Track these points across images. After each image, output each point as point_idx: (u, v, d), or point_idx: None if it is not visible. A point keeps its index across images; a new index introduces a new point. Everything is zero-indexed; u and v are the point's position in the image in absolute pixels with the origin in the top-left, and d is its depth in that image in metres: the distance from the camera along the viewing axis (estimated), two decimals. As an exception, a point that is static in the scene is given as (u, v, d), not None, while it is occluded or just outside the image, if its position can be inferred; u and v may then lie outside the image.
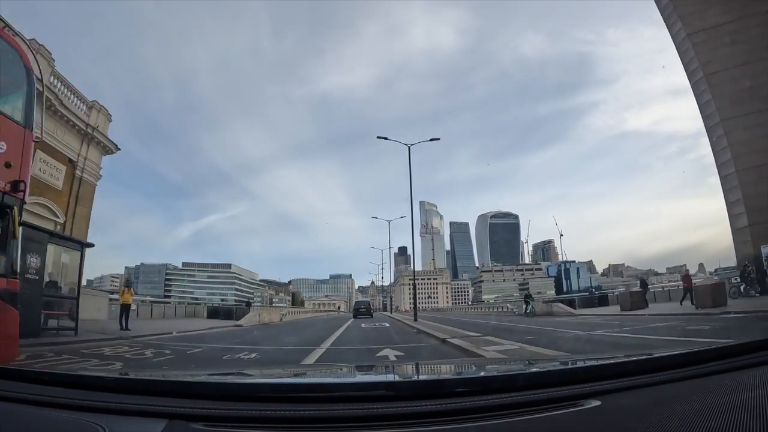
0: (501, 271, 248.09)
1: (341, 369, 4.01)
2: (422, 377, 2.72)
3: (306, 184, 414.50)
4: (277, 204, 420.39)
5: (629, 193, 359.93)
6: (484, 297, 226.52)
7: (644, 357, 2.20)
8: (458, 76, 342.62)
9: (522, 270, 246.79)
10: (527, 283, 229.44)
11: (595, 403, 1.60)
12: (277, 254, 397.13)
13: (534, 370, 2.64)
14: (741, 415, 1.43)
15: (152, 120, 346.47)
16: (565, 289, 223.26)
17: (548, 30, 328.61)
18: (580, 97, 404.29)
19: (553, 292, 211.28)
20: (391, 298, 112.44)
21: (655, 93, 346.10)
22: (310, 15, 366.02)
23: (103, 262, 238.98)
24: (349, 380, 2.56)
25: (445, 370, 3.32)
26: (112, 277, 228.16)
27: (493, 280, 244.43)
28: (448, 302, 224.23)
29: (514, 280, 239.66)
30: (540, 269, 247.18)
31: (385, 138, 40.41)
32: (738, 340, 2.04)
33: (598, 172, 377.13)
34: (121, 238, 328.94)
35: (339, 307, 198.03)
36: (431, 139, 42.66)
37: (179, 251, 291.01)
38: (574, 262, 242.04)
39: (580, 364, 2.48)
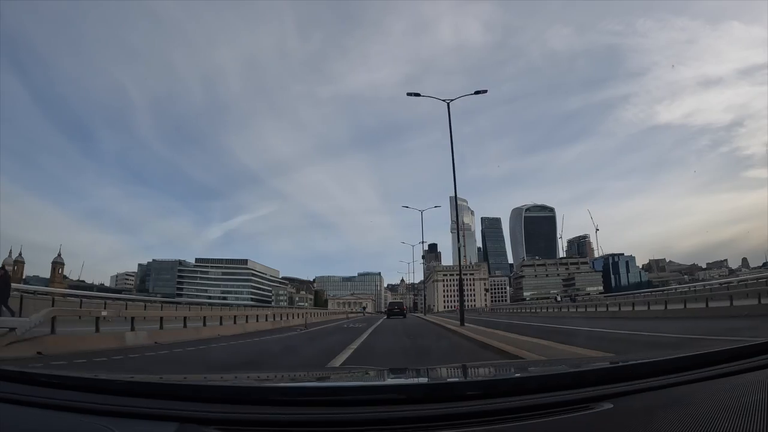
0: (543, 265, 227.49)
1: (360, 372, 3.86)
2: (433, 380, 2.65)
3: (334, 183, 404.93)
4: (305, 203, 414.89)
5: (661, 187, 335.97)
6: (525, 294, 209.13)
7: (657, 359, 2.18)
8: (486, 72, 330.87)
9: (567, 264, 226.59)
10: (573, 278, 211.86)
11: (607, 406, 1.60)
12: (304, 253, 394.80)
13: (545, 372, 2.58)
14: (754, 417, 1.42)
15: (181, 122, 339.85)
16: (613, 284, 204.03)
17: (576, 22, 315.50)
18: (609, 90, 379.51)
19: (601, 287, 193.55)
20: (424, 297, 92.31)
21: (687, 85, 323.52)
22: (336, 14, 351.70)
23: (134, 262, 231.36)
24: (362, 383, 2.57)
25: (457, 374, 3.22)
26: (127, 274, 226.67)
27: (535, 275, 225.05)
28: (485, 301, 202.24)
29: (558, 275, 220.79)
30: (586, 263, 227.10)
31: (417, 94, 33.64)
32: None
33: (629, 166, 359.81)
34: (153, 239, 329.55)
35: (365, 307, 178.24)
36: (476, 92, 34.05)
37: (209, 251, 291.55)
38: (622, 254, 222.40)
39: (592, 366, 2.58)
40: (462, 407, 1.59)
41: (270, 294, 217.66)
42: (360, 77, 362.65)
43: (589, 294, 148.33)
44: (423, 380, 2.67)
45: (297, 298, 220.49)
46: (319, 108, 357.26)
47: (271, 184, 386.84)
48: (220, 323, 25.98)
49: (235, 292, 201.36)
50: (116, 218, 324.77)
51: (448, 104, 31.22)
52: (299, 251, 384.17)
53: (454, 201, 27.92)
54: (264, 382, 2.70)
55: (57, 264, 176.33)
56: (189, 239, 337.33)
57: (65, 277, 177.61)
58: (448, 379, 2.75)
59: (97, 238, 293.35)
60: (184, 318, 22.68)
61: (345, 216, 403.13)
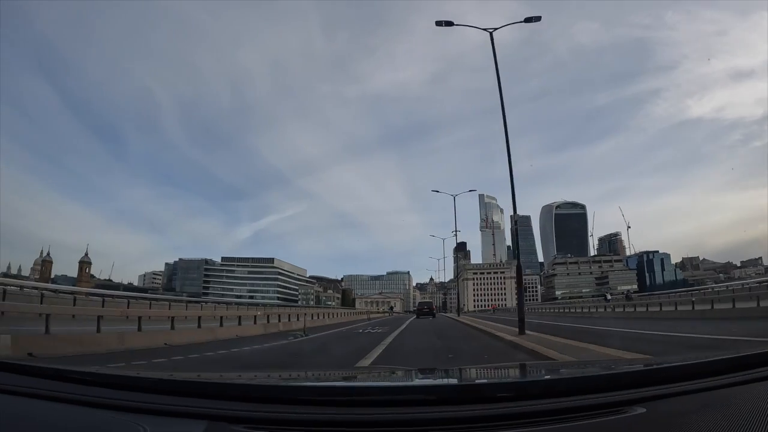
0: (576, 263, 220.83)
1: (390, 372, 3.88)
2: (463, 381, 2.64)
3: (362, 183, 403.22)
4: (333, 202, 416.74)
5: (692, 183, 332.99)
6: (557, 293, 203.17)
7: (691, 362, 2.15)
8: (513, 68, 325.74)
9: (600, 262, 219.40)
10: (606, 276, 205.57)
11: (640, 410, 1.57)
12: (332, 252, 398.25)
13: (577, 375, 2.58)
14: None
15: (209, 124, 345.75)
16: (647, 282, 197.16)
17: (603, 16, 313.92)
18: (638, 85, 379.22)
19: (635, 285, 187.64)
20: (458, 295, 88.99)
21: (717, 78, 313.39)
22: (361, 13, 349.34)
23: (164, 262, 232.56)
24: (391, 383, 2.62)
25: (488, 375, 3.26)
26: (154, 274, 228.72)
27: (567, 274, 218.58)
28: (516, 301, 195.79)
29: (591, 273, 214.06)
30: (620, 261, 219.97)
31: (451, 23, 25.38)
32: None
33: (659, 162, 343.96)
34: (183, 239, 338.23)
35: (392, 307, 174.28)
36: (527, 20, 24.79)
37: (239, 251, 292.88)
38: (656, 252, 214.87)
39: (625, 369, 2.56)
40: (493, 409, 1.58)
41: (297, 293, 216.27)
42: (386, 76, 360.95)
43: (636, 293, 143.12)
44: (453, 381, 2.67)
45: (323, 297, 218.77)
46: (346, 108, 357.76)
47: (299, 184, 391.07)
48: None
49: (262, 291, 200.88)
50: (147, 219, 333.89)
51: (491, 34, 26.06)
52: (327, 250, 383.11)
53: (507, 156, 17.60)
54: (293, 381, 2.73)
55: (84, 263, 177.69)
56: (218, 239, 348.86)
57: (92, 276, 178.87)
58: (479, 381, 2.69)
59: (128, 239, 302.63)
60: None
61: (373, 215, 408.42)
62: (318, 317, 38.35)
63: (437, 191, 64.16)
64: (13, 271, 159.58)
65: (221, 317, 23.54)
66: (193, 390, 1.88)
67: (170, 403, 1.68)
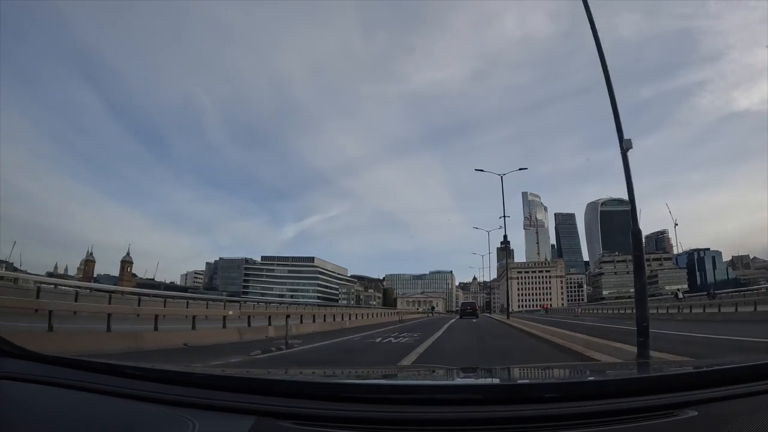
0: (624, 261, 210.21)
1: (433, 371, 3.65)
2: (513, 381, 2.63)
3: (405, 182, 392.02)
4: (376, 202, 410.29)
5: (741, 178, 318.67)
6: (605, 292, 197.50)
7: (743, 364, 2.06)
8: (554, 64, 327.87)
9: (649, 260, 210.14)
10: (655, 276, 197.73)
11: (692, 413, 1.54)
12: (374, 251, 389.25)
13: (626, 376, 2.59)
14: None
15: (252, 126, 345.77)
16: (698, 282, 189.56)
17: (644, 7, 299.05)
18: (683, 77, 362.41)
19: (685, 285, 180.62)
20: (507, 295, 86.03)
21: (765, 67, 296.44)
22: (399, 12, 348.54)
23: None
24: (441, 382, 2.60)
25: (539, 375, 3.18)
26: (196, 273, 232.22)
27: (615, 273, 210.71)
28: (562, 301, 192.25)
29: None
30: (669, 259, 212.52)
31: (482, 170, 46.58)
32: None
33: (706, 157, 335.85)
34: (228, 239, 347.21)
35: (433, 307, 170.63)
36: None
37: (282, 251, 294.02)
38: (707, 249, 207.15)
39: (675, 370, 2.47)
40: (541, 410, 1.56)
41: (337, 292, 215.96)
42: (426, 75, 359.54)
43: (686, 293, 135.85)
44: (499, 381, 2.66)
45: (363, 297, 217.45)
46: (387, 107, 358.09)
47: (342, 184, 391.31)
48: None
49: (302, 290, 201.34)
50: (193, 220, 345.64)
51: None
52: (369, 250, 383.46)
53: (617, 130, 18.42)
54: (338, 378, 2.78)
55: (125, 263, 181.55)
56: (262, 239, 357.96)
57: (134, 275, 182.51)
58: (526, 381, 2.64)
59: (173, 240, 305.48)
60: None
61: (415, 214, 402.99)
62: (333, 319, 32.49)
63: (481, 170, 53.89)
64: (60, 271, 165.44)
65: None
66: (242, 386, 1.90)
67: (219, 399, 1.71)
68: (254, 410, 1.61)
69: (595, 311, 62.46)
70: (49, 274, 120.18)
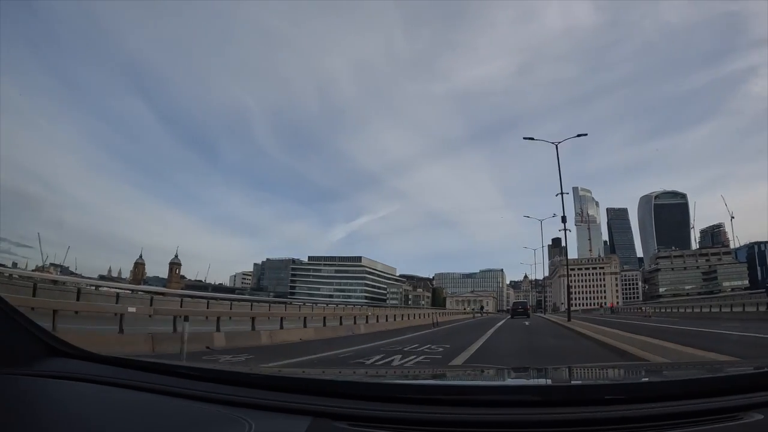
0: (681, 256, 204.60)
1: (487, 371, 3.69)
2: (571, 382, 2.60)
3: (454, 180, 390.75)
4: (425, 201, 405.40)
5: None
6: (661, 289, 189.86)
7: None
8: (599, 54, 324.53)
9: (707, 255, 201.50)
10: (714, 271, 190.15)
11: (757, 416, 1.48)
12: (424, 250, 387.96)
13: (689, 377, 2.47)
14: None
15: (300, 129, 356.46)
16: (759, 276, 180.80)
17: None
18: (734, 63, 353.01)
19: (746, 281, 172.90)
20: (569, 292, 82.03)
21: None
22: (440, 10, 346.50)
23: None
24: (495, 383, 2.55)
25: (597, 376, 3.09)
26: (244, 274, 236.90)
27: (672, 268, 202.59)
28: (617, 299, 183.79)
29: (698, 267, 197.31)
30: (728, 253, 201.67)
31: (532, 138, 40.07)
32: None
33: (761, 146, 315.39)
34: (279, 241, 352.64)
35: (482, 307, 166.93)
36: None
37: (333, 252, 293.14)
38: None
39: (741, 371, 2.34)
40: (601, 412, 1.52)
41: (385, 292, 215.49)
42: (471, 71, 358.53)
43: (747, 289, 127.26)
44: (562, 382, 2.63)
45: (412, 297, 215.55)
46: (434, 105, 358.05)
47: (391, 184, 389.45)
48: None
49: (349, 290, 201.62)
50: (243, 223, 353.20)
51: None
52: (419, 249, 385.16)
53: None
54: (392, 379, 2.79)
55: (174, 264, 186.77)
56: (313, 241, 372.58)
57: (183, 276, 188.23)
58: (589, 382, 2.56)
59: (225, 242, 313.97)
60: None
61: (465, 213, 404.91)
62: (339, 322, 24.53)
63: (531, 138, 45.43)
64: (114, 274, 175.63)
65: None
66: (298, 386, 1.91)
67: (275, 399, 1.73)
68: (310, 411, 1.61)
69: (667, 310, 56.61)
70: (101, 277, 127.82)
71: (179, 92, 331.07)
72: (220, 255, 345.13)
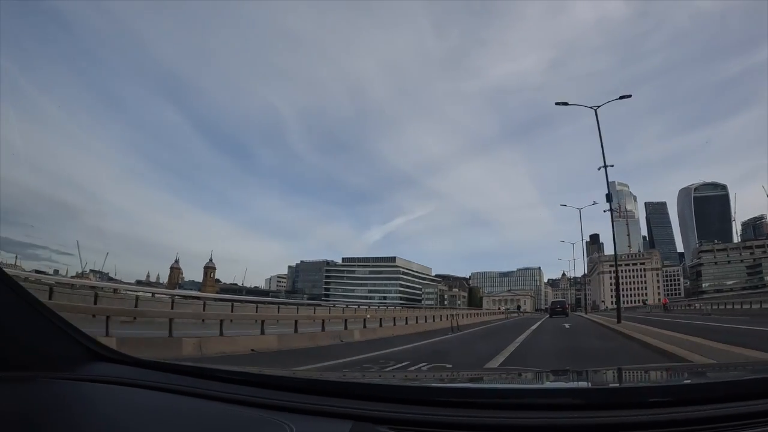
0: (725, 250, 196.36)
1: (525, 374, 3.51)
2: (615, 384, 2.58)
3: (489, 178, 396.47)
4: (461, 200, 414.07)
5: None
6: (705, 284, 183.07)
7: None
8: (631, 45, 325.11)
9: (752, 248, 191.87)
10: (759, 265, 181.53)
11: None
12: (460, 250, 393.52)
13: (736, 378, 2.36)
14: None
15: (333, 132, 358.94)
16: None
17: None
18: None
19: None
20: (618, 287, 78.44)
21: None
22: (469, 7, 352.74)
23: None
24: (537, 386, 2.56)
25: (639, 378, 2.89)
26: (279, 277, 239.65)
27: (715, 263, 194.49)
28: (659, 295, 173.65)
29: (742, 261, 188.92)
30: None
31: (565, 103, 35.07)
32: None
33: None
34: (315, 243, 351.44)
35: (519, 306, 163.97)
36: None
37: (369, 253, 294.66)
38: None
39: None
40: (645, 415, 1.47)
41: (420, 292, 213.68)
42: (503, 68, 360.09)
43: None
44: (605, 384, 2.63)
45: (448, 297, 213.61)
46: (466, 104, 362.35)
47: (426, 184, 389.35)
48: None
49: (383, 291, 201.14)
50: (280, 226, 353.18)
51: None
52: (455, 248, 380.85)
53: None
54: (434, 382, 2.81)
55: (208, 268, 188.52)
56: (349, 242, 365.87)
57: (218, 280, 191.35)
58: (634, 384, 2.50)
59: (261, 245, 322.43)
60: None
61: (501, 211, 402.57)
62: (320, 327, 20.09)
63: (565, 103, 38.92)
64: (152, 279, 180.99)
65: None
66: (339, 390, 1.92)
67: (316, 403, 1.72)
68: (351, 415, 1.60)
69: (721, 306, 50.69)
70: (138, 282, 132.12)
71: (214, 100, 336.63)
72: (257, 258, 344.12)
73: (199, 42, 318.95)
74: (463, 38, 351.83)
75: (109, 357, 2.07)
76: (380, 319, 26.36)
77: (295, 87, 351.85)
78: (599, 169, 35.05)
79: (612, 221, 39.72)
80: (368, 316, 25.76)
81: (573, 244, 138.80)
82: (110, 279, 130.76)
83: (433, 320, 32.47)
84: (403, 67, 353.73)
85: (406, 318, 29.10)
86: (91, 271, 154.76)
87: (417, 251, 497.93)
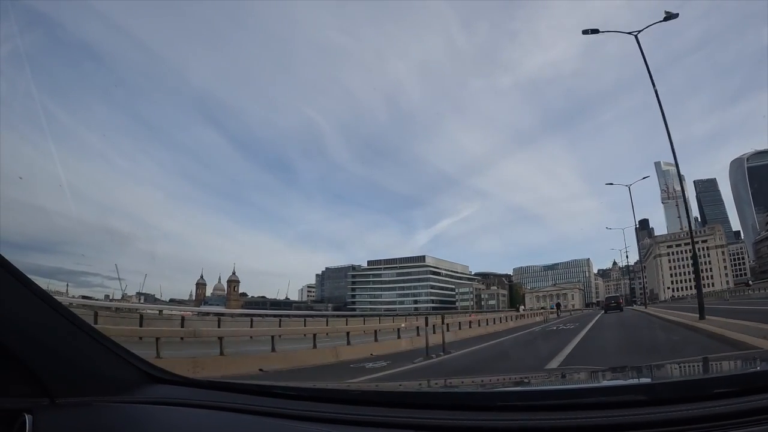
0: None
1: (583, 373, 3.52)
2: (677, 378, 2.46)
3: (533, 172, 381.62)
4: (505, 197, 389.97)
5: None
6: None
7: None
8: (664, 22, 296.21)
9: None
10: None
11: None
12: (507, 248, 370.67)
13: None
14: None
15: (372, 140, 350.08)
16: None
17: None
18: None
19: None
20: (696, 271, 59.36)
21: None
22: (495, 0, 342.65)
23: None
24: (597, 385, 2.47)
25: (702, 369, 2.86)
26: (309, 287, 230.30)
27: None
28: (726, 278, 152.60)
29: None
30: None
31: (597, 31, 27.90)
32: None
33: None
34: (362, 253, 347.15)
35: (557, 304, 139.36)
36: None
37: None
38: None
39: None
40: (716, 407, 1.41)
41: (453, 293, 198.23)
42: (536, 58, 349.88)
43: None
44: (667, 378, 2.50)
45: (485, 296, 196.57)
46: (503, 98, 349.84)
47: (470, 183, 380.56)
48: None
49: (413, 294, 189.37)
50: (326, 238, 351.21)
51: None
52: (501, 246, 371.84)
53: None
54: (493, 386, 2.73)
55: (232, 282, 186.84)
56: (397, 249, 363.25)
57: (243, 294, 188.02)
58: (698, 376, 2.39)
59: (306, 258, 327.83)
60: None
61: (547, 204, 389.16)
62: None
63: (596, 31, 23.65)
64: (184, 297, 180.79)
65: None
66: (396, 400, 1.90)
67: (374, 414, 1.72)
68: (411, 425, 1.58)
69: None
70: (172, 301, 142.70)
71: (251, 118, 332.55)
72: (303, 270, 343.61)
73: (235, 64, 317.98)
74: (492, 32, 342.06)
75: (164, 378, 2.09)
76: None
77: (330, 98, 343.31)
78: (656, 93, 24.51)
79: (677, 168, 26.40)
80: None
81: (623, 229, 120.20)
82: (155, 300, 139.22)
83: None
84: (435, 68, 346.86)
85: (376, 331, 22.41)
86: (137, 293, 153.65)
87: (463, 252, 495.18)
